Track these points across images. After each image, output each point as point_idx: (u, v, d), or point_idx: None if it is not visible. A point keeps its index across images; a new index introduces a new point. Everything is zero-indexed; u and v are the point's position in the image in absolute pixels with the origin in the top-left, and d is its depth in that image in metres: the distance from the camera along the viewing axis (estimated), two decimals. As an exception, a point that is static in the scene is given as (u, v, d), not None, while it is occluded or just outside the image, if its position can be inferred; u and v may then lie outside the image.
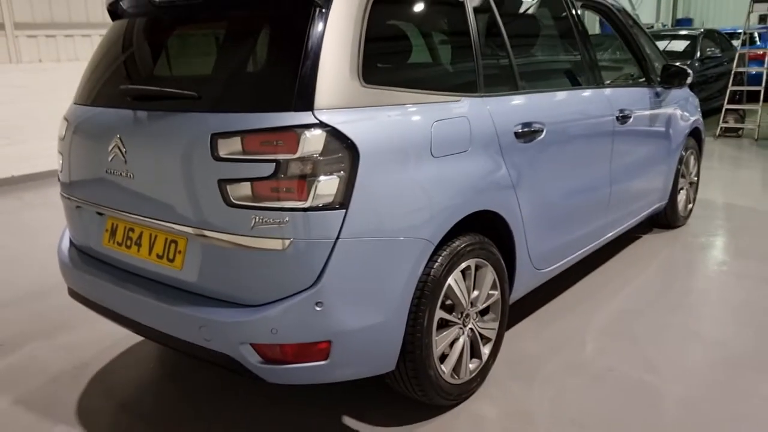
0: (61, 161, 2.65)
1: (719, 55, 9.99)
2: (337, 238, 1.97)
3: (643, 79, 3.92)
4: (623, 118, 3.48)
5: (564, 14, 3.30)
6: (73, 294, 2.67)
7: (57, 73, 7.50)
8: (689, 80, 3.92)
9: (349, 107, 2.04)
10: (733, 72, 8.83)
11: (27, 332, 3.33)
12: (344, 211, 1.97)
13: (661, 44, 10.24)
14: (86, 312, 3.39)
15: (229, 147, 1.98)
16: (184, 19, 2.50)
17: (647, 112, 3.83)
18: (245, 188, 1.96)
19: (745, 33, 9.24)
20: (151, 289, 2.27)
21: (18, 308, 3.67)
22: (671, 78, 3.93)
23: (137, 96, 2.30)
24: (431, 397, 2.38)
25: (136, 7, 2.57)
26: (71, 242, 2.77)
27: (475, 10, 2.61)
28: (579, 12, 3.38)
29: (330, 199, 1.95)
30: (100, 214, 2.50)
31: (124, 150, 2.25)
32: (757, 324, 3.19)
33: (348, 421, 2.45)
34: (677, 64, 4.03)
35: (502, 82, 2.71)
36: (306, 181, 1.93)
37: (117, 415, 2.58)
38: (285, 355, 2.03)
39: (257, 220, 1.95)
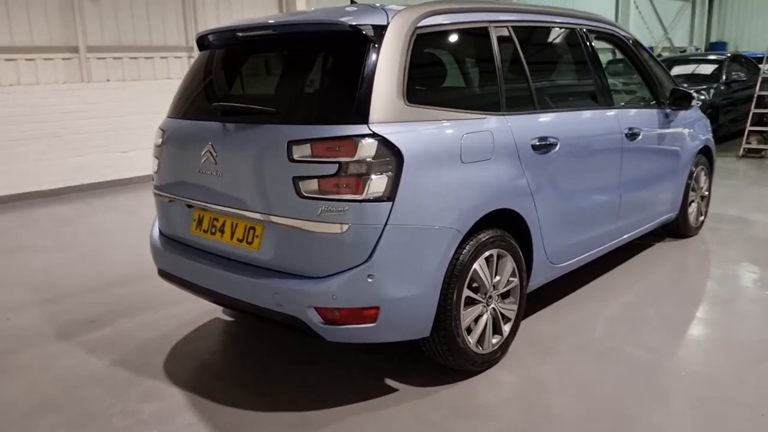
0: (156, 164, 3.24)
1: (744, 78, 10.32)
2: (386, 224, 2.50)
3: (654, 101, 4.38)
4: (632, 136, 3.95)
5: (578, 44, 3.81)
6: (163, 274, 3.25)
7: (122, 91, 8.25)
8: (694, 102, 4.37)
9: (396, 122, 2.57)
10: (756, 95, 9.16)
11: (114, 311, 3.92)
12: (391, 203, 2.50)
13: (690, 68, 10.61)
14: (164, 295, 4.01)
15: (302, 151, 2.52)
16: (260, 50, 3.09)
17: (656, 131, 4.29)
18: (314, 184, 2.50)
19: (765, 56, 9.57)
20: (233, 266, 2.82)
21: (103, 293, 4.28)
22: (679, 100, 4.38)
23: (226, 111, 2.87)
24: (459, 362, 2.87)
25: (221, 39, 3.17)
26: (160, 231, 3.35)
27: (499, 40, 3.15)
28: (592, 42, 3.88)
29: (380, 194, 2.48)
30: (189, 206, 3.07)
31: (215, 154, 2.82)
32: (755, 315, 3.59)
33: (389, 381, 2.95)
34: (683, 87, 4.48)
35: (522, 102, 3.22)
36: (362, 178, 2.46)
37: (198, 372, 3.13)
38: (342, 317, 2.55)
39: (323, 208, 2.48)
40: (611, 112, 3.88)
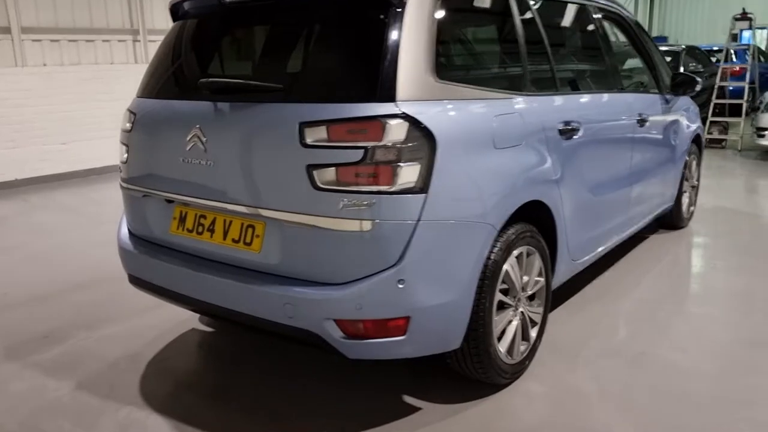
0: (125, 153, 2.76)
1: (701, 70, 10.42)
2: (418, 220, 2.13)
3: (655, 86, 4.16)
4: (641, 122, 3.70)
5: (591, 23, 3.52)
6: (136, 281, 2.78)
7: (61, 77, 7.53)
8: (698, 88, 4.18)
9: (425, 100, 2.20)
10: (716, 86, 9.23)
11: (71, 324, 3.40)
12: (424, 195, 2.13)
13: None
14: (127, 304, 3.50)
15: (317, 134, 2.12)
16: (255, 17, 2.65)
17: (660, 118, 4.07)
18: (333, 173, 2.10)
19: (724, 50, 9.67)
20: (227, 271, 2.39)
21: (56, 302, 3.73)
22: (681, 86, 4.18)
23: (218, 88, 2.43)
24: (489, 375, 2.54)
25: (203, 7, 2.71)
26: (130, 232, 2.87)
27: (521, 12, 2.81)
28: (603, 21, 3.61)
29: (412, 184, 2.11)
30: (169, 202, 2.61)
31: (204, 139, 2.38)
32: (761, 308, 3.42)
33: (410, 400, 2.58)
34: (686, 72, 4.28)
35: (545, 83, 2.91)
36: (391, 166, 2.08)
37: (181, 395, 2.68)
38: (367, 330, 2.17)
39: (345, 202, 2.09)
40: (625, 96, 3.62)
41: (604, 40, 3.56)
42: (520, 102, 2.63)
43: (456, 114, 2.30)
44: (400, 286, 2.13)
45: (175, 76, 2.73)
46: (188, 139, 2.43)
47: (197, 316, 3.43)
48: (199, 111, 2.42)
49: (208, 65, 2.70)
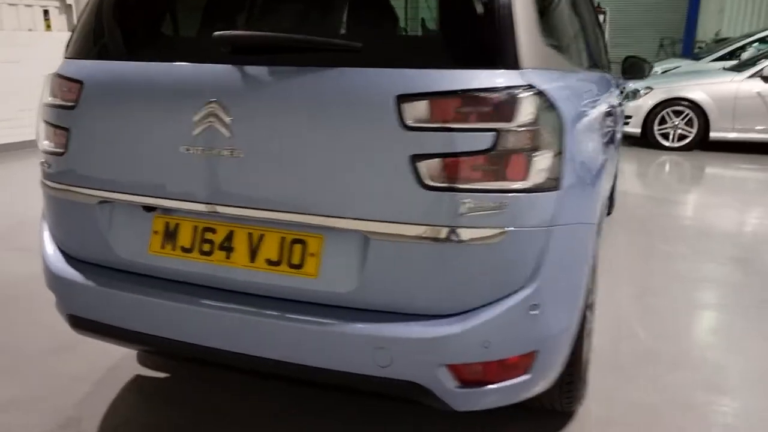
0: (64, 139, 1.89)
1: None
2: (551, 225, 1.63)
3: (607, 67, 4.01)
4: (617, 103, 3.51)
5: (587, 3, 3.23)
6: (87, 324, 1.94)
7: None
8: (650, 72, 4.10)
9: (543, 68, 1.69)
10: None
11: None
12: (557, 192, 1.63)
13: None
14: (26, 344, 2.58)
15: (424, 111, 1.52)
16: None
17: (617, 99, 3.92)
18: (449, 166, 1.52)
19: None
20: (269, 306, 1.69)
21: None
22: (633, 69, 4.07)
23: (248, 47, 1.68)
24: (573, 404, 2.12)
25: None
26: (64, 253, 2.00)
27: None
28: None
29: (545, 178, 1.59)
30: (149, 210, 1.82)
31: (228, 119, 1.64)
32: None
33: (480, 444, 2.08)
34: (637, 56, 4.19)
35: (587, 60, 2.55)
36: (524, 155, 1.55)
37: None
38: (487, 374, 1.63)
39: (467, 205, 1.52)
40: (609, 76, 3.39)
41: (594, 17, 3.29)
42: (599, 77, 2.24)
43: (569, 88, 1.83)
44: (533, 312, 1.62)
45: (161, 25, 1.91)
46: (197, 119, 1.67)
47: (130, 353, 2.58)
48: (217, 79, 1.67)
49: (228, 14, 1.91)
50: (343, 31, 1.86)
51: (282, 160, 1.62)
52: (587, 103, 1.99)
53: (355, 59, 1.59)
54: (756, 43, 10.60)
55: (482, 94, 1.52)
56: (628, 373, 2.55)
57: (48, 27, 7.67)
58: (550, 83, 1.65)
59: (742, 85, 7.59)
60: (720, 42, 12.93)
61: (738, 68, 8.21)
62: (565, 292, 1.73)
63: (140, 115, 1.76)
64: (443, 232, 1.54)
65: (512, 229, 1.55)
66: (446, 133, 1.52)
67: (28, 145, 7.42)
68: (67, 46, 2.01)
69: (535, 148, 1.56)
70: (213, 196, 1.71)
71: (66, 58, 1.98)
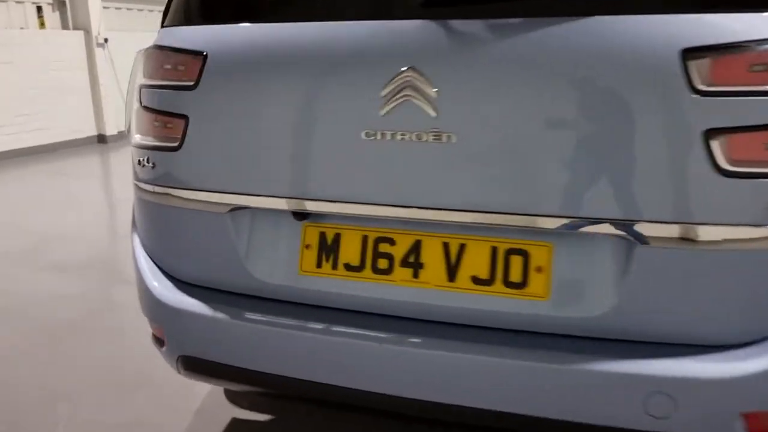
0: (181, 130, 1.45)
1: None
2: None
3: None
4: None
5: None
6: (203, 367, 1.51)
7: None
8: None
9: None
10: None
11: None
12: None
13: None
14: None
15: (724, 71, 1.12)
16: None
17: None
18: (759, 144, 1.12)
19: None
20: (480, 339, 1.28)
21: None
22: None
23: None
24: None
25: None
26: (172, 277, 1.57)
27: None
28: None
29: None
30: (301, 216, 1.40)
31: (431, 92, 1.22)
32: None
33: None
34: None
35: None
36: None
37: None
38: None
39: (783, 197, 1.12)
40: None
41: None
42: None
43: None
44: (844, 334, 1.22)
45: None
46: (386, 93, 1.25)
47: (214, 390, 2.15)
48: (414, 38, 1.24)
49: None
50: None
51: (509, 144, 1.21)
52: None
53: (616, 3, 1.18)
54: None
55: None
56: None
57: (42, 25, 7.13)
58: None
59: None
60: None
61: None
62: None
63: (293, 93, 1.33)
64: (754, 235, 1.13)
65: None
66: (758, 98, 1.11)
67: (27, 152, 6.88)
68: (167, 10, 1.57)
69: None
70: (402, 196, 1.29)
71: (167, 25, 1.54)
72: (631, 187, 1.16)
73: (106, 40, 7.65)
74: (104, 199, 5.48)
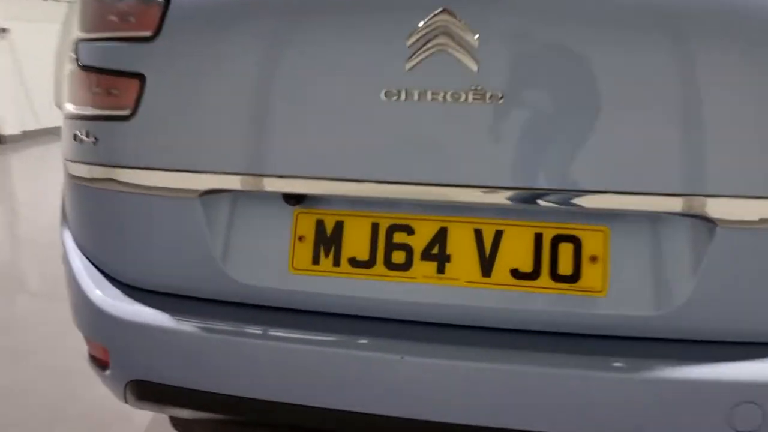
0: (134, 95, 1.13)
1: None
2: None
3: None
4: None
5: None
6: (158, 393, 1.20)
7: None
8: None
9: None
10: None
11: None
12: None
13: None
14: None
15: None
16: None
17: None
18: None
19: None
20: (522, 345, 1.05)
21: None
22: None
23: None
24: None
25: None
26: (115, 280, 1.24)
27: None
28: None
29: None
30: (294, 200, 1.12)
31: (472, 39, 0.98)
32: None
33: None
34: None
35: None
36: None
37: None
38: None
39: None
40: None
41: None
42: None
43: None
44: None
45: None
46: (413, 41, 0.99)
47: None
48: None
49: None
50: None
51: (569, 105, 0.98)
52: None
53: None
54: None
55: None
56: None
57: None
58: None
59: None
60: None
61: None
62: None
63: (286, 42, 1.05)
64: None
65: None
66: None
67: None
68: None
69: None
70: (426, 172, 1.04)
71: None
72: (714, 155, 0.96)
73: (4, 30, 6.93)
74: (1, 204, 4.87)
